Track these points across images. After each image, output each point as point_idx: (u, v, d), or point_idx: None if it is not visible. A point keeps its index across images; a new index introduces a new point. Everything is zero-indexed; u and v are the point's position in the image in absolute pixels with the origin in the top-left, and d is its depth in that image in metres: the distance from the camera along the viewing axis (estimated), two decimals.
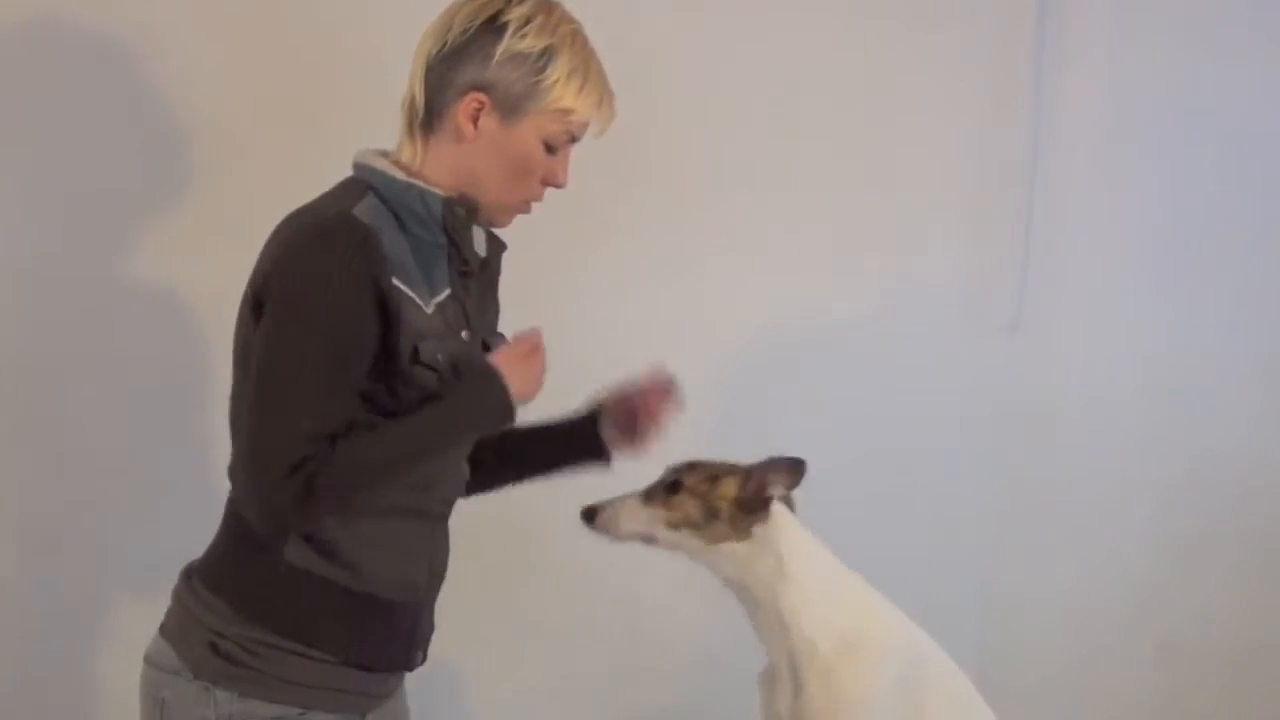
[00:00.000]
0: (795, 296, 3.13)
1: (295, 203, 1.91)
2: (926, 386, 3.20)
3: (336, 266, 1.79)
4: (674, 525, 2.09)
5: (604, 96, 1.94)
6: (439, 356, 1.88)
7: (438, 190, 1.91)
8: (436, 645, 2.07)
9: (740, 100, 3.06)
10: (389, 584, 1.94)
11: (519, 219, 2.00)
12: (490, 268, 2.03)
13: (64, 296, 2.66)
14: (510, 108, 1.90)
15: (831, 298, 3.15)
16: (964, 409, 3.26)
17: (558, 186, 1.97)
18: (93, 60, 2.64)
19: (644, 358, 3.00)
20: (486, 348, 1.98)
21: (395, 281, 1.83)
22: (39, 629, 2.68)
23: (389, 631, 1.96)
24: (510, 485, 2.18)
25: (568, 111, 1.91)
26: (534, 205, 1.99)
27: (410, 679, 2.07)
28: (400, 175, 1.91)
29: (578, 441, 2.13)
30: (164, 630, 1.94)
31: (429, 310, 1.88)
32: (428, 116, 1.92)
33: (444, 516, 2.04)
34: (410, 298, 1.85)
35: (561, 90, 1.90)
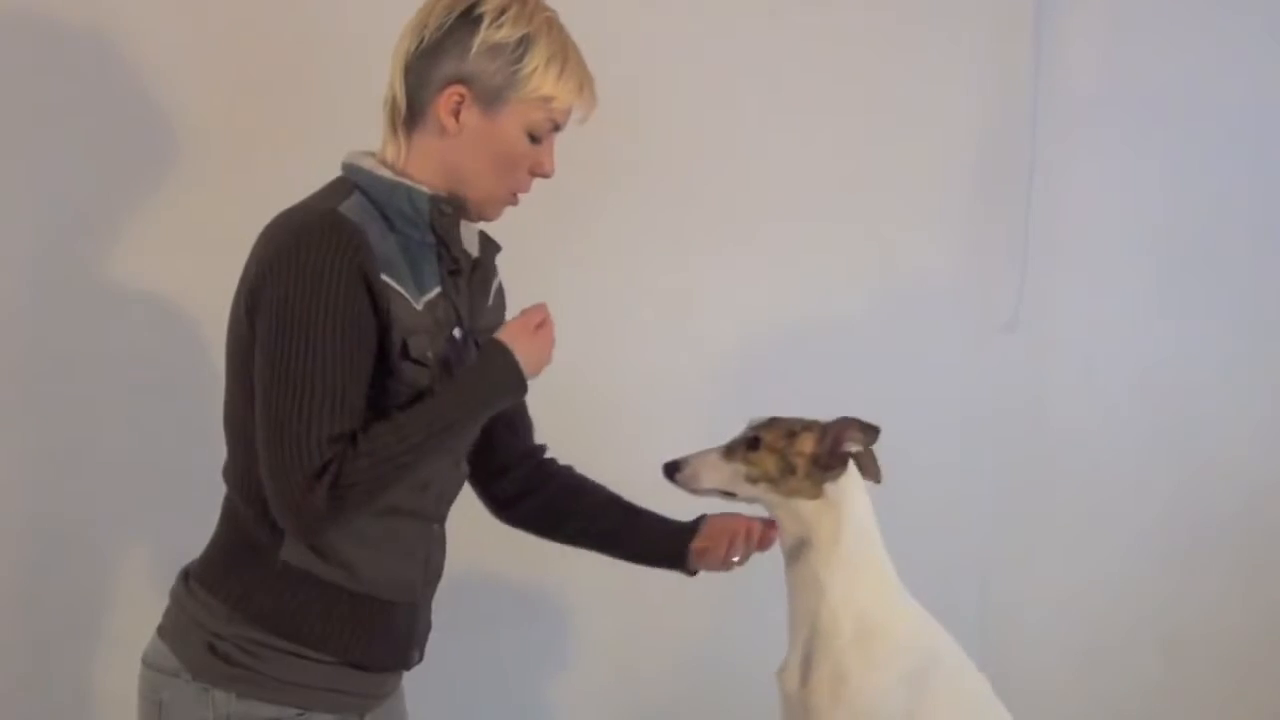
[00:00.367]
0: (793, 296, 3.13)
1: (293, 201, 1.91)
2: (925, 386, 3.20)
3: (327, 264, 1.79)
4: (753, 480, 2.14)
5: (584, 82, 1.94)
6: (429, 353, 1.88)
7: (424, 188, 1.91)
8: (434, 645, 2.07)
9: (738, 99, 3.06)
10: (386, 584, 1.94)
11: (511, 215, 2.00)
12: (483, 268, 2.03)
13: (64, 296, 2.66)
14: (491, 99, 1.90)
15: (829, 297, 3.15)
16: (962, 408, 3.25)
17: (544, 176, 1.97)
18: (93, 61, 2.65)
19: (640, 356, 3.02)
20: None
21: (384, 277, 1.83)
22: (38, 629, 2.68)
23: (386, 631, 1.96)
24: (577, 547, 2.23)
25: (548, 99, 1.91)
26: (521, 197, 1.98)
27: (409, 679, 2.07)
28: (387, 174, 1.91)
29: (668, 549, 2.18)
30: (162, 631, 1.94)
31: (418, 307, 1.88)
32: (410, 114, 1.92)
33: (441, 517, 2.04)
34: (399, 294, 1.85)
35: (541, 78, 1.90)
